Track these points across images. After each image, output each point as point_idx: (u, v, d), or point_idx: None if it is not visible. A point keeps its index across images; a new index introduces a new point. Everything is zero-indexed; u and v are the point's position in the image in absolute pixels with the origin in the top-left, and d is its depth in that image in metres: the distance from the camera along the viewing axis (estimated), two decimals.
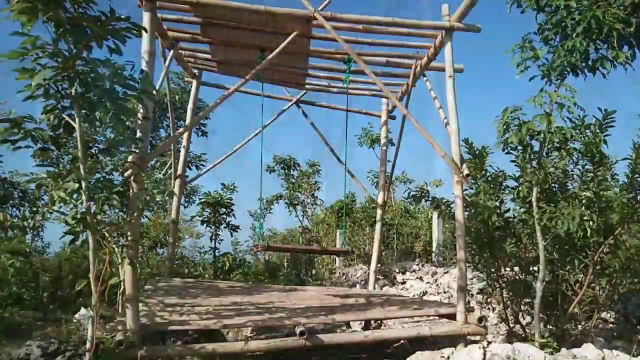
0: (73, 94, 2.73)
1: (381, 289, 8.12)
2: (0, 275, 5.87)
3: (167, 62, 5.20)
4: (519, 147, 4.23)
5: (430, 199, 5.17)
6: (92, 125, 3.03)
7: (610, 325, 5.55)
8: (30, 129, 2.79)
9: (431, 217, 10.01)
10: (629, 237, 4.42)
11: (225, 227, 8.53)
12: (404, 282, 8.39)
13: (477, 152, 4.73)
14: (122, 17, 2.82)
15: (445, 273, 8.00)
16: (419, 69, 5.51)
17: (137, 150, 3.51)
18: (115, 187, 2.98)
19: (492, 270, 4.93)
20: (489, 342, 4.10)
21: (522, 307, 4.83)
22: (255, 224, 13.55)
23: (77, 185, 2.77)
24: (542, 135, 4.07)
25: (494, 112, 6.59)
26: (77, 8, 2.73)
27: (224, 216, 8.49)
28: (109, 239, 3.43)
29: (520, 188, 4.31)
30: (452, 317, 4.33)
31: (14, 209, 10.80)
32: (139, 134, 3.63)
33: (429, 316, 4.74)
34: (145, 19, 3.93)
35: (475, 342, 4.23)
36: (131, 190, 3.38)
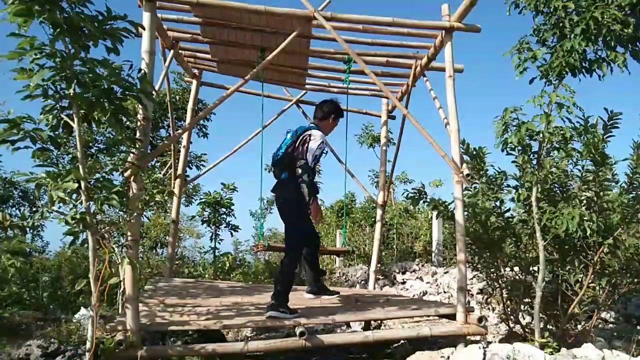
0: (71, 94, 2.72)
1: (381, 289, 8.12)
2: (0, 275, 5.89)
3: (167, 62, 5.20)
4: (518, 148, 4.22)
5: (428, 200, 5.13)
6: (90, 126, 3.03)
7: (610, 325, 5.54)
8: (29, 130, 2.78)
9: (431, 217, 10.01)
10: (628, 236, 4.42)
11: (225, 227, 8.54)
12: (404, 282, 8.39)
13: (474, 153, 4.72)
14: (120, 15, 2.81)
15: (445, 273, 8.00)
16: (419, 69, 5.50)
17: (136, 151, 3.51)
18: (115, 187, 2.97)
19: (492, 270, 4.93)
20: (489, 342, 4.10)
21: (522, 307, 4.82)
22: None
23: (76, 185, 2.77)
24: (542, 135, 4.07)
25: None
26: (73, 7, 2.72)
27: (224, 216, 8.50)
28: (109, 239, 3.44)
29: (520, 190, 4.30)
30: (452, 317, 4.33)
31: (14, 209, 10.85)
32: (138, 134, 3.63)
33: (429, 316, 4.73)
34: (145, 19, 3.93)
35: (475, 342, 4.23)
36: (131, 190, 3.38)
